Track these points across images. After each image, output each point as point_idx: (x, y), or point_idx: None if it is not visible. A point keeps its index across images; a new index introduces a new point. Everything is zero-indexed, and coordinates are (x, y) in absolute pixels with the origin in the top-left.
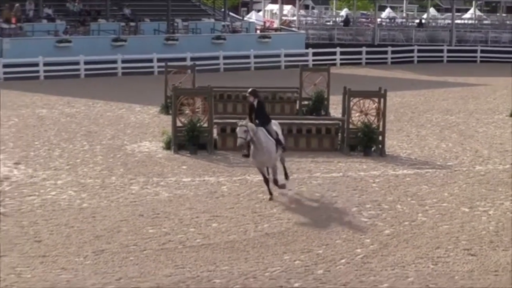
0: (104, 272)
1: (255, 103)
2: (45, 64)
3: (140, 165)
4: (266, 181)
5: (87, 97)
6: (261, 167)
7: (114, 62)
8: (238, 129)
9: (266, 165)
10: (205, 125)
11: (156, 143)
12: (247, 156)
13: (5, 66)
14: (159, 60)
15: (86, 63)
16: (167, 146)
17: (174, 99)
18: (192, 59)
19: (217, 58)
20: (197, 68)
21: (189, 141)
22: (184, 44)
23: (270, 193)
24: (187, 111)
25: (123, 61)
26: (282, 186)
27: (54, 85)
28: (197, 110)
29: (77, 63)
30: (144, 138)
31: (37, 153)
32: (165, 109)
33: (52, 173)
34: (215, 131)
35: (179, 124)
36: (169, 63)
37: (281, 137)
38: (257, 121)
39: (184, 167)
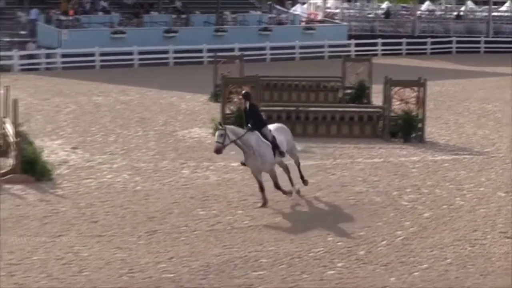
0: (157, 252)
1: (247, 105)
2: (101, 54)
3: (191, 150)
4: (261, 188)
5: (141, 85)
6: (256, 173)
7: (166, 52)
8: (216, 133)
9: (261, 170)
10: None
11: (205, 129)
12: (244, 165)
13: (63, 56)
14: (208, 50)
15: (139, 53)
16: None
17: (223, 88)
18: (240, 49)
19: (264, 48)
20: (244, 58)
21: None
22: (232, 35)
23: (264, 201)
24: (235, 99)
25: (175, 52)
26: (287, 193)
27: (109, 74)
28: None
29: (130, 53)
30: (194, 125)
31: (94, 138)
32: (214, 97)
33: (108, 158)
34: None
35: (227, 111)
36: (218, 53)
37: (283, 141)
38: (249, 125)
39: (232, 152)
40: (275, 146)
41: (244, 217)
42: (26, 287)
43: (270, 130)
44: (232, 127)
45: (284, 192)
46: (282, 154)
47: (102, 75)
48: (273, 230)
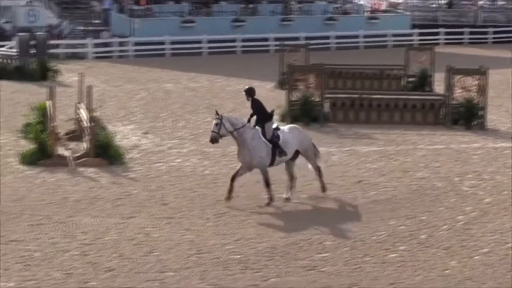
0: (224, 234)
1: (250, 101)
2: (171, 43)
3: None
4: (233, 178)
5: (209, 73)
6: (244, 166)
7: (234, 41)
8: (213, 122)
9: (250, 165)
10: (317, 99)
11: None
12: None
13: (135, 44)
14: (275, 39)
15: (208, 41)
16: (282, 119)
17: (289, 75)
18: (306, 38)
19: (328, 38)
20: (310, 47)
21: (302, 114)
22: (298, 25)
23: (229, 192)
24: (301, 87)
25: (242, 40)
26: (270, 199)
27: (179, 62)
28: (310, 85)
29: (200, 42)
30: None
31: (164, 124)
32: (280, 85)
33: (177, 142)
34: (326, 105)
35: (293, 98)
36: (284, 42)
37: (291, 142)
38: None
39: None
40: (275, 145)
41: (308, 201)
42: (99, 266)
43: (278, 129)
44: (229, 116)
45: (269, 196)
46: (282, 153)
47: (172, 63)
48: (336, 213)
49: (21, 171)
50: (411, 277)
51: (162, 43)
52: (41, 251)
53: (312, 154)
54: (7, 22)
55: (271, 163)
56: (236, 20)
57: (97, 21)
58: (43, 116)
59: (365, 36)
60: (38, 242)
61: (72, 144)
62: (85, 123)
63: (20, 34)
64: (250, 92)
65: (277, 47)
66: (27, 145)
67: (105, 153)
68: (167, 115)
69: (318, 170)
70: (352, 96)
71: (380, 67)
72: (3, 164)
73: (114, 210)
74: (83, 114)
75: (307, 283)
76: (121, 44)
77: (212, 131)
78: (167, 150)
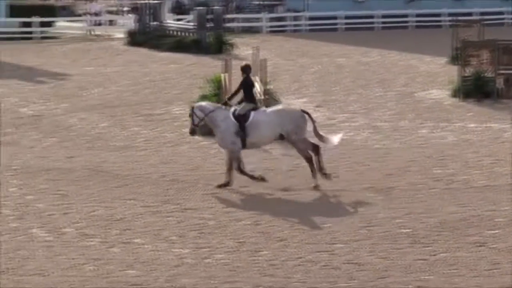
0: (394, 207)
1: (243, 77)
2: (345, 18)
3: (429, 111)
4: (241, 171)
5: (381, 47)
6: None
7: (406, 16)
8: None
9: (222, 148)
10: (490, 75)
11: (443, 91)
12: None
13: (309, 19)
14: (448, 14)
15: (382, 16)
16: (454, 94)
17: (462, 51)
18: (481, 14)
19: (503, 13)
20: (484, 22)
21: (474, 89)
22: (471, 0)
23: (257, 179)
24: (473, 62)
25: (416, 15)
26: (254, 177)
27: (351, 37)
28: (483, 61)
29: (372, 17)
30: (433, 86)
31: (336, 97)
32: (453, 60)
33: (349, 116)
34: (499, 81)
35: (466, 74)
36: (457, 18)
37: (265, 124)
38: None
39: (470, 113)
40: (241, 124)
41: (480, 176)
42: (270, 236)
43: (256, 109)
44: (200, 103)
45: (225, 180)
46: (238, 134)
47: (345, 38)
48: (509, 190)
49: (196, 141)
50: None
51: (335, 17)
52: (215, 219)
53: (297, 139)
54: None
55: (243, 145)
56: None
57: None
58: (218, 89)
59: None
60: (212, 211)
61: None
62: (259, 96)
63: (198, 8)
64: (246, 70)
65: (450, 23)
66: None
67: None
68: (339, 89)
69: (306, 157)
70: None
71: None
72: (179, 134)
73: (286, 182)
74: (257, 87)
75: (476, 259)
76: (295, 18)
77: (191, 123)
78: (338, 124)
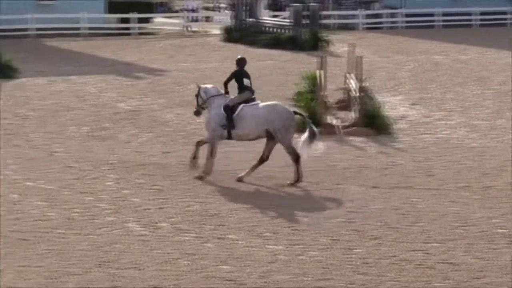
0: (490, 207)
1: (237, 68)
2: (442, 15)
3: None
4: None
5: (480, 45)
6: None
7: (505, 13)
8: None
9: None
10: None
11: None
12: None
13: (406, 15)
14: None
15: (480, 14)
16: None
17: None
18: None
19: None
20: None
21: None
22: None
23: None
24: None
25: None
26: (205, 172)
27: (448, 34)
28: None
29: (470, 14)
30: None
31: (432, 95)
32: None
33: (445, 114)
34: None
35: None
36: None
37: (252, 118)
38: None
39: None
40: (228, 115)
41: None
42: (364, 234)
43: (248, 103)
44: (206, 86)
45: (206, 169)
46: (223, 126)
47: (442, 35)
48: None
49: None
50: None
51: (432, 14)
52: (309, 216)
53: (283, 137)
54: None
55: (229, 137)
56: None
57: None
58: (314, 85)
59: None
60: (306, 208)
61: (341, 113)
62: (354, 93)
63: (294, 4)
64: (241, 62)
65: None
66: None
67: (373, 123)
68: (436, 86)
69: (294, 156)
70: None
71: None
72: None
73: (380, 180)
74: (353, 84)
75: None
76: (392, 15)
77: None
78: (434, 122)
